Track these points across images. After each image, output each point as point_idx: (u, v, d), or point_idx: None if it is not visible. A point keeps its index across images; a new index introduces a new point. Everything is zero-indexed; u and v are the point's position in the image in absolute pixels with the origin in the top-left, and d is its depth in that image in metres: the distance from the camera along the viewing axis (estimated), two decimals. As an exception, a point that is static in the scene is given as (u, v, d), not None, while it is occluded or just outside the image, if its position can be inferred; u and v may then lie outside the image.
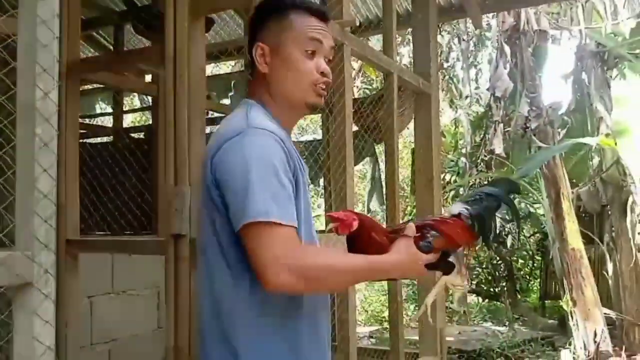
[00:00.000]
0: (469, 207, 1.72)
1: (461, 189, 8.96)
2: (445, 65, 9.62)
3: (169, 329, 2.47)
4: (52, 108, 1.36)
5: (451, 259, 1.66)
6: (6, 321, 1.48)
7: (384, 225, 1.75)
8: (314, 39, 1.52)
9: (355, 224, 1.50)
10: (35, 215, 1.32)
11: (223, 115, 4.59)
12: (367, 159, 6.79)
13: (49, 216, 1.34)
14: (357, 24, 2.69)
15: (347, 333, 2.79)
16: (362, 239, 1.51)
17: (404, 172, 9.47)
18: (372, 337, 8.18)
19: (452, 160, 9.66)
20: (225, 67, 10.96)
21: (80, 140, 4.81)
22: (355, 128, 4.70)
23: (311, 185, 5.82)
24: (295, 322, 1.46)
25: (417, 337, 4.14)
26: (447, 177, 9.38)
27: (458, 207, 1.73)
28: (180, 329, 2.42)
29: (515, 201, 1.97)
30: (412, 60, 3.91)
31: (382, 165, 5.21)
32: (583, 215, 7.58)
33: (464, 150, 8.97)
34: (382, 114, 3.39)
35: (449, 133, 10.18)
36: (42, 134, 1.34)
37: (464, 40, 9.02)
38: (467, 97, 9.20)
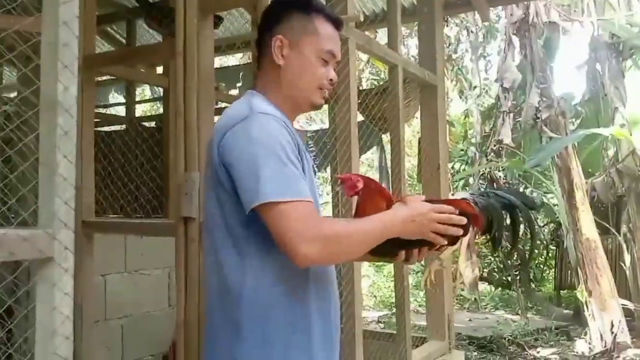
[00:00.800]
0: (474, 194, 1.74)
1: (470, 178, 9.03)
2: (454, 56, 9.68)
3: (179, 305, 2.59)
4: (72, 100, 1.48)
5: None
6: (28, 292, 1.63)
7: None
8: (331, 52, 1.62)
9: (360, 185, 1.55)
10: (56, 197, 1.45)
11: (231, 105, 4.71)
12: (374, 147, 6.87)
13: (69, 198, 1.47)
14: (362, 19, 2.77)
15: (353, 313, 2.86)
16: (367, 201, 1.55)
17: (413, 160, 9.60)
18: (380, 321, 8.27)
19: (462, 150, 9.74)
20: (233, 59, 11.09)
21: (96, 129, 5.00)
22: (361, 118, 4.81)
23: (318, 173, 5.96)
24: (303, 302, 1.50)
25: (425, 323, 4.21)
26: (457, 166, 9.47)
27: (463, 194, 1.76)
28: (189, 306, 2.53)
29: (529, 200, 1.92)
30: (418, 53, 4.00)
31: (389, 154, 5.29)
32: (598, 205, 7.57)
33: (473, 140, 9.04)
34: (387, 106, 3.50)
35: (458, 123, 10.25)
36: (63, 124, 1.47)
37: (472, 32, 9.06)
38: (475, 87, 9.26)
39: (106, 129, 5.55)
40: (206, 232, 1.60)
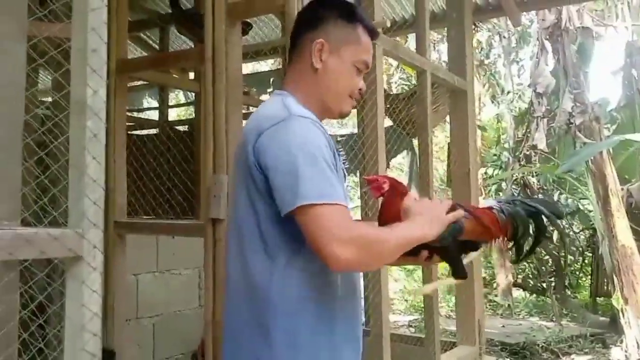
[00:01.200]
0: (501, 203, 1.74)
1: (503, 183, 8.95)
2: (487, 61, 9.61)
3: (207, 305, 2.65)
4: (100, 104, 1.53)
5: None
6: (61, 290, 1.69)
7: None
8: (366, 63, 1.65)
9: (386, 186, 1.57)
10: (85, 197, 1.51)
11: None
12: (405, 152, 6.86)
13: (98, 198, 1.52)
14: (388, 24, 2.79)
15: (381, 315, 2.85)
16: (392, 202, 1.57)
17: (444, 165, 9.55)
18: (411, 326, 8.25)
19: (495, 155, 9.66)
20: (265, 64, 11.21)
21: (129, 132, 5.12)
22: (390, 123, 4.82)
23: (348, 178, 5.99)
24: (329, 304, 1.50)
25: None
26: (489, 170, 9.39)
27: (490, 202, 1.77)
28: (217, 305, 2.57)
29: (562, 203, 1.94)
30: (448, 58, 4.01)
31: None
32: (635, 212, 7.45)
33: (506, 145, 8.97)
34: (415, 110, 3.50)
35: (491, 128, 10.17)
36: (92, 126, 1.52)
37: (504, 37, 8.99)
38: (508, 92, 9.18)
39: (140, 132, 5.68)
40: (233, 232, 1.60)
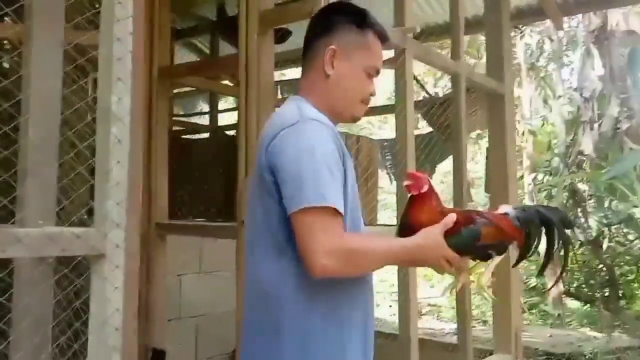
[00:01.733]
0: (517, 208, 1.76)
1: (554, 189, 8.73)
2: (537, 64, 9.39)
3: (238, 305, 2.74)
4: (125, 111, 1.62)
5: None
6: (84, 286, 1.78)
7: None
8: (377, 68, 1.67)
9: (426, 187, 1.61)
10: (109, 199, 1.60)
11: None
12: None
13: (121, 200, 1.61)
14: (418, 30, 2.81)
15: (408, 317, 2.88)
16: (421, 200, 1.61)
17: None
18: (456, 334, 8.13)
19: (547, 160, 9.44)
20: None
21: (183, 137, 5.30)
22: (429, 129, 4.80)
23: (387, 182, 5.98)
24: (338, 303, 1.52)
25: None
26: (540, 176, 9.18)
27: (505, 208, 1.77)
28: (247, 306, 2.67)
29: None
30: (486, 61, 3.97)
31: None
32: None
33: (557, 150, 8.75)
34: (449, 115, 3.50)
35: (543, 132, 9.94)
36: (117, 132, 1.61)
37: (552, 40, 8.77)
38: (559, 97, 8.95)
39: (193, 136, 5.86)
40: (248, 233, 1.64)
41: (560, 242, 1.77)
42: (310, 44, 1.68)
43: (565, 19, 6.93)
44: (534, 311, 8.97)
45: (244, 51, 2.68)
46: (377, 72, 1.69)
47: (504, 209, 1.77)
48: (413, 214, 1.62)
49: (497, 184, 3.93)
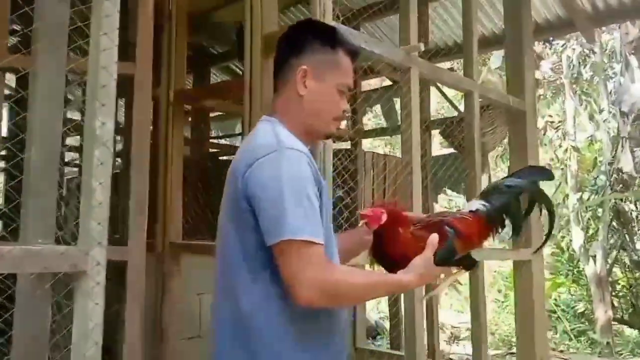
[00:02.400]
0: (486, 203, 1.78)
1: (599, 209, 8.39)
2: (581, 79, 9.06)
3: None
4: (108, 135, 1.70)
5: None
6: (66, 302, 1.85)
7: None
8: (349, 85, 1.69)
9: (384, 217, 1.64)
10: (92, 219, 1.67)
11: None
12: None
13: (103, 220, 1.68)
14: (422, 49, 2.80)
15: (414, 334, 2.82)
16: (389, 233, 1.64)
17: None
18: (493, 361, 7.91)
19: (594, 179, 9.10)
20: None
21: (220, 158, 5.41)
22: (452, 150, 4.74)
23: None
24: (311, 327, 1.53)
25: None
26: (585, 195, 8.84)
27: (475, 204, 1.79)
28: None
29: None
30: (506, 78, 3.91)
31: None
32: None
33: (603, 168, 8.44)
34: (463, 133, 3.46)
35: (588, 149, 9.59)
36: (99, 155, 1.68)
37: (595, 52, 8.50)
38: (601, 111, 8.64)
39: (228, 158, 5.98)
40: (219, 258, 1.64)
41: (541, 203, 1.84)
42: (282, 64, 1.69)
43: (604, 29, 6.77)
44: (581, 339, 8.59)
45: (249, 74, 2.74)
46: (349, 89, 1.70)
47: (474, 205, 1.79)
48: (389, 248, 1.65)
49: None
